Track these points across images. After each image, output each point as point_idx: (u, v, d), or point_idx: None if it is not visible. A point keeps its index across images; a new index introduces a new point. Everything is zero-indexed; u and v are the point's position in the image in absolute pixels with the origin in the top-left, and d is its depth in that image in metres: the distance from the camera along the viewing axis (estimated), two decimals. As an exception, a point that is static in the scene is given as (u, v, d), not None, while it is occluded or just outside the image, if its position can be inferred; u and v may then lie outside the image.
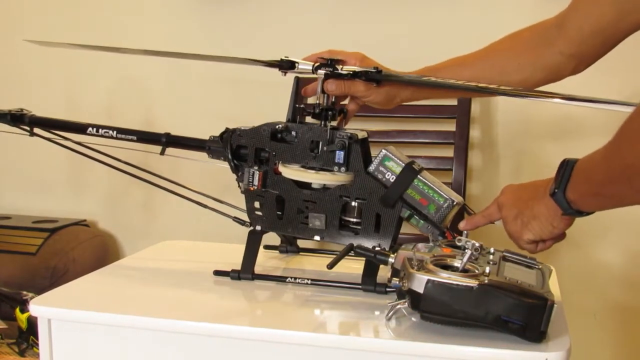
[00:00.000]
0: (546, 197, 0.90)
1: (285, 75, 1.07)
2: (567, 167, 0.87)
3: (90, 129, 1.15)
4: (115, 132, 1.14)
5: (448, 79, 1.08)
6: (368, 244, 1.02)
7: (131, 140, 1.15)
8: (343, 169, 1.02)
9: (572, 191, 0.87)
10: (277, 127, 1.04)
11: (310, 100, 1.08)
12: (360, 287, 1.01)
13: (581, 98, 0.96)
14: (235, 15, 1.99)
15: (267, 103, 1.58)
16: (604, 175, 0.80)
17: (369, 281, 1.01)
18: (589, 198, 0.87)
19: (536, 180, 0.97)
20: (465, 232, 0.96)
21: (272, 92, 1.61)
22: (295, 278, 1.04)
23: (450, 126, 1.76)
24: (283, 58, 1.06)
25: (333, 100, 1.06)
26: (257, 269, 1.06)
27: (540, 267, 0.94)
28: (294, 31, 1.95)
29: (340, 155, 1.01)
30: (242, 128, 1.07)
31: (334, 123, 1.05)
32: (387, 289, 0.99)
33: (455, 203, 0.99)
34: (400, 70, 1.09)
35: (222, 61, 1.14)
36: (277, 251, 1.23)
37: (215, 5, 2.00)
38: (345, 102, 1.12)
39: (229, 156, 1.07)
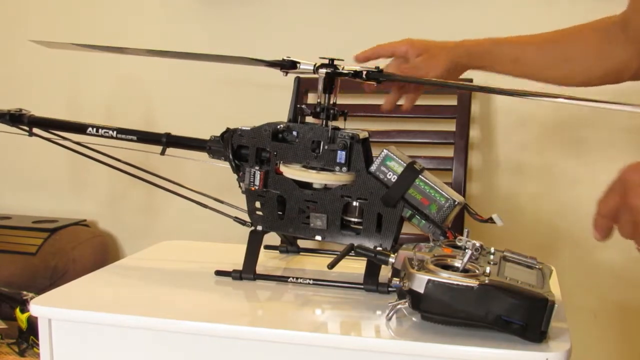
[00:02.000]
0: None
1: (286, 75, 1.07)
2: None
3: (90, 129, 1.14)
4: (115, 132, 1.14)
5: (507, 54, 1.08)
6: (369, 243, 1.02)
7: (131, 140, 1.14)
8: (344, 168, 1.02)
9: None
10: (278, 127, 1.04)
11: (310, 100, 1.08)
12: (362, 287, 1.01)
13: (582, 98, 0.96)
14: (236, 16, 1.99)
15: (267, 104, 1.58)
16: None
17: (371, 281, 1.01)
18: None
19: None
20: (466, 231, 0.96)
21: (273, 94, 1.61)
22: (297, 278, 1.04)
23: (450, 126, 1.76)
24: (285, 58, 1.06)
25: (334, 100, 1.06)
26: (258, 269, 1.06)
27: (540, 267, 0.94)
28: (296, 33, 1.95)
29: (341, 155, 1.01)
30: (243, 128, 1.06)
31: (335, 123, 1.05)
32: (390, 289, 0.99)
33: (457, 203, 0.99)
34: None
35: (223, 62, 1.14)
36: (277, 251, 1.23)
37: (216, 6, 2.00)
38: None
39: (230, 156, 1.07)
